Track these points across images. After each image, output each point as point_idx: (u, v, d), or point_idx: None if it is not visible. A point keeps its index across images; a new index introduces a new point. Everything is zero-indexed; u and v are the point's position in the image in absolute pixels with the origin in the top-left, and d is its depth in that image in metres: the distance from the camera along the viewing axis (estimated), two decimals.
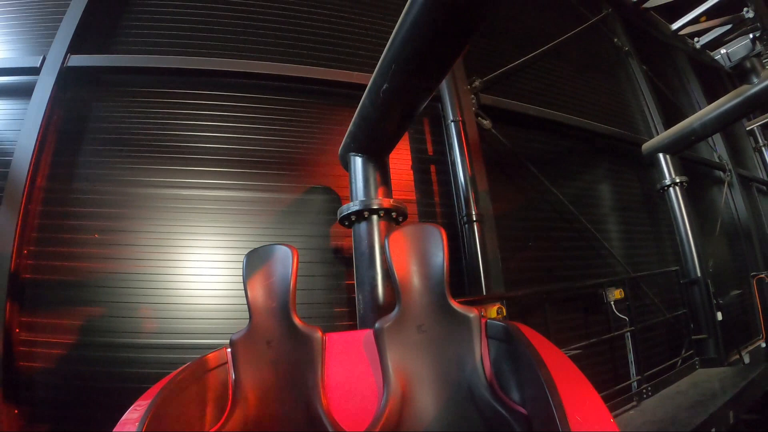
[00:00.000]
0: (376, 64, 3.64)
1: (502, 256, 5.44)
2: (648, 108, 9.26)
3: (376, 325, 2.95)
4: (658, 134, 8.77)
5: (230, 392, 3.03)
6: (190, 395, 2.70)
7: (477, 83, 6.17)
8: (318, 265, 4.89)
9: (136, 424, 2.12)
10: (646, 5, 5.09)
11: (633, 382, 5.72)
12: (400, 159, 5.56)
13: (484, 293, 4.96)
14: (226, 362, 3.09)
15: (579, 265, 6.65)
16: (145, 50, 5.47)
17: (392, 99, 3.69)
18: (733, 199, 10.61)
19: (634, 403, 5.37)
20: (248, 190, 5.03)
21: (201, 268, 4.70)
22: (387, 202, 4.28)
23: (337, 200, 5.12)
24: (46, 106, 4.93)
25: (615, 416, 5.07)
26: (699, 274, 7.62)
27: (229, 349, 3.10)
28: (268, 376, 3.04)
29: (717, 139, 10.64)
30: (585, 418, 1.64)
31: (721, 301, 7.61)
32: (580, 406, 1.69)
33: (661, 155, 8.24)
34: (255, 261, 3.27)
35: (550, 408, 1.70)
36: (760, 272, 8.10)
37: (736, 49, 5.91)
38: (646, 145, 8.44)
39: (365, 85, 3.95)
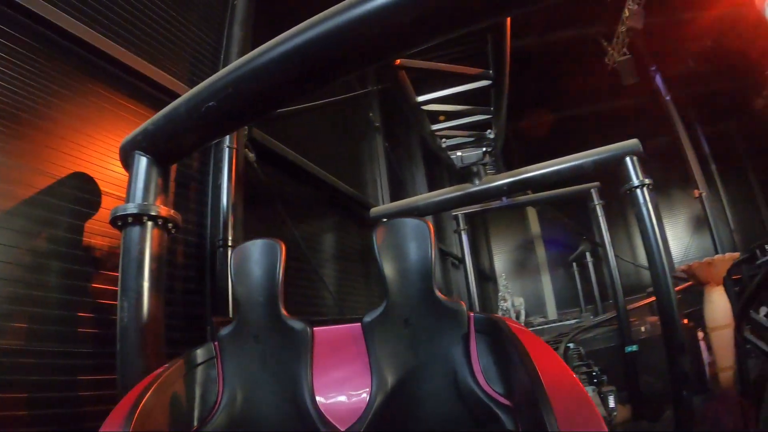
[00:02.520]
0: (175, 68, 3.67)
1: None
2: (381, 179, 10.72)
3: (364, 318, 2.90)
4: (384, 203, 10.23)
5: (219, 387, 2.95)
6: (178, 391, 2.61)
7: None
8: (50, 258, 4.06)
9: (124, 420, 2.06)
10: (426, 108, 6.17)
11: None
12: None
13: (231, 316, 5.17)
14: (214, 357, 3.01)
15: (304, 301, 7.34)
16: None
17: (214, 117, 3.80)
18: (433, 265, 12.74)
19: None
20: None
21: None
22: (165, 211, 4.19)
23: (96, 194, 4.56)
24: None
25: None
26: None
27: (216, 344, 3.02)
28: (256, 370, 2.99)
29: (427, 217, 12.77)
30: (570, 410, 1.66)
31: None
32: (565, 398, 1.72)
33: (384, 221, 9.60)
34: (242, 256, 3.15)
35: (536, 400, 1.72)
36: None
37: (470, 155, 7.47)
38: (375, 210, 9.74)
39: (165, 87, 3.90)
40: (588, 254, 14.79)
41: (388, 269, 2.93)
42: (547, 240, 18.15)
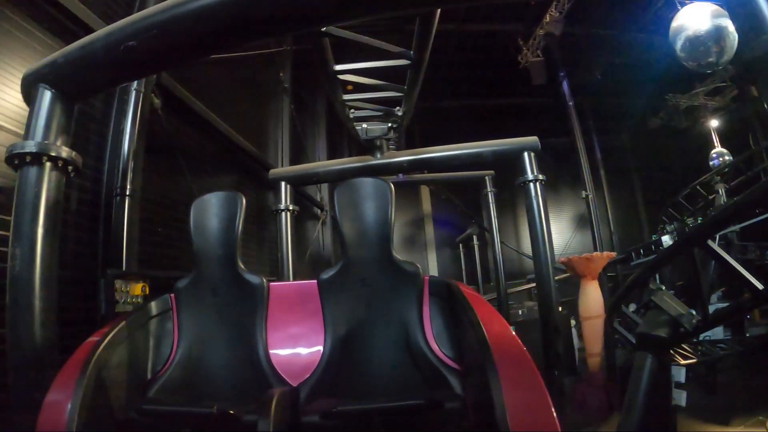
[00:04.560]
0: None
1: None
2: (283, 141, 10.51)
3: (321, 276, 2.92)
4: (284, 165, 10.06)
5: (174, 339, 2.95)
6: (133, 342, 2.61)
7: None
8: None
9: (80, 371, 2.08)
10: (341, 77, 6.09)
11: None
12: None
13: (124, 269, 4.90)
14: (170, 309, 3.01)
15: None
16: None
17: (133, 58, 3.57)
18: (322, 234, 12.77)
19: None
20: None
21: None
22: (67, 152, 3.80)
23: None
24: None
25: None
26: None
27: (173, 296, 3.02)
28: (211, 323, 2.98)
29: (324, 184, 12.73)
30: (515, 377, 1.72)
31: None
32: (511, 367, 1.76)
33: (283, 183, 9.47)
34: (201, 208, 3.08)
35: (483, 366, 1.77)
36: None
37: (375, 129, 7.55)
38: (274, 172, 9.52)
39: (77, 17, 3.57)
40: (475, 237, 15.49)
41: (347, 228, 3.01)
42: (437, 219, 18.77)
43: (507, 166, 7.85)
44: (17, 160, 3.69)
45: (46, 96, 3.85)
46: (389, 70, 6.34)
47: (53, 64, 3.82)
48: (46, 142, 3.77)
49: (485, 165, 9.95)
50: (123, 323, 2.58)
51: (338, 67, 6.45)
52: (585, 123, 17.10)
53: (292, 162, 10.46)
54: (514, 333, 2.08)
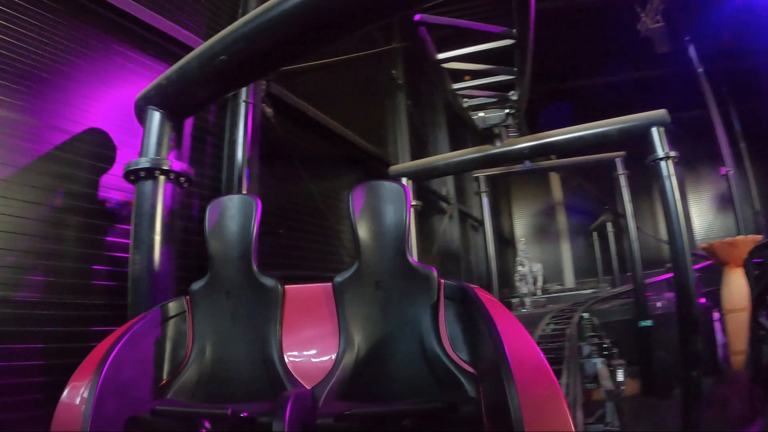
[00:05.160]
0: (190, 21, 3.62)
1: (259, 237, 5.71)
2: (402, 137, 10.58)
3: (336, 279, 2.93)
4: (404, 161, 10.12)
5: (189, 341, 2.96)
6: (149, 344, 2.63)
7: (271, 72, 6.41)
8: (69, 214, 4.12)
9: (94, 371, 2.10)
10: (445, 65, 6.00)
11: None
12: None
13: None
14: (185, 311, 3.00)
15: (320, 257, 7.37)
16: None
17: (226, 70, 3.78)
18: (450, 229, 12.68)
19: None
20: None
21: None
22: (178, 165, 4.21)
23: (110, 148, 4.58)
24: None
25: None
26: None
27: (188, 298, 3.01)
28: (226, 326, 2.99)
29: (449, 177, 12.59)
30: (531, 383, 1.69)
31: None
32: (528, 371, 1.74)
33: (404, 179, 9.54)
34: (217, 210, 3.13)
35: (498, 370, 1.73)
36: None
37: (492, 116, 7.30)
38: (394, 168, 9.67)
39: (178, 40, 3.86)
40: (609, 224, 14.51)
41: (362, 231, 2.97)
42: (568, 207, 17.83)
43: (640, 146, 7.21)
44: (133, 176, 4.11)
45: (155, 116, 4.24)
46: (496, 54, 6.12)
47: (158, 86, 4.19)
48: (157, 157, 4.16)
49: (613, 145, 9.25)
50: (138, 324, 2.58)
51: (441, 56, 6.37)
52: (719, 91, 15.07)
53: (414, 157, 10.49)
54: (531, 338, 2.02)
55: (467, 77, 6.97)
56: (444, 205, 12.62)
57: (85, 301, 4.05)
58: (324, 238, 7.60)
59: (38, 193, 3.89)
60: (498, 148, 7.83)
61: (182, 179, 4.30)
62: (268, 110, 6.34)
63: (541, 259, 16.51)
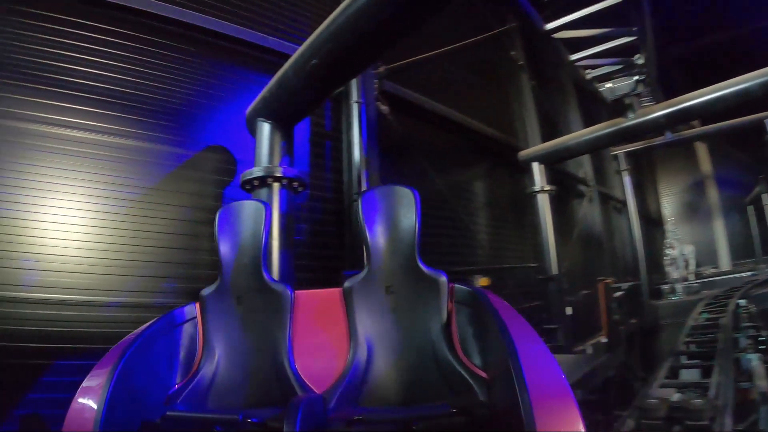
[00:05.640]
0: (290, 31, 3.76)
1: None
2: (529, 120, 10.11)
3: (345, 284, 2.97)
4: (534, 145, 9.67)
5: (199, 347, 3.02)
6: (160, 349, 2.69)
7: (382, 69, 6.46)
8: (203, 225, 4.61)
9: (106, 376, 2.15)
10: (557, 35, 5.66)
11: None
12: (298, 129, 5.68)
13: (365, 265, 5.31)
14: (196, 317, 3.07)
15: (450, 251, 7.26)
16: None
17: (319, 74, 3.90)
18: (590, 212, 11.90)
19: None
20: (127, 137, 4.45)
21: (61, 216, 4.05)
22: (291, 172, 4.42)
23: (232, 163, 5.04)
24: None
25: None
26: (555, 272, 8.60)
27: (198, 304, 3.08)
28: (236, 331, 3.04)
29: (585, 157, 11.81)
30: (544, 387, 1.68)
31: (571, 298, 8.67)
32: (539, 375, 1.73)
33: (534, 164, 9.12)
34: (227, 216, 3.22)
35: (510, 374, 1.74)
36: (606, 277, 9.32)
37: (621, 86, 6.73)
38: (523, 153, 9.29)
39: (279, 52, 4.04)
40: (765, 196, 12.63)
41: (372, 236, 3.00)
42: (719, 179, 15.79)
43: None
44: (248, 185, 4.40)
45: (264, 127, 4.51)
46: (612, 15, 5.62)
47: (263, 99, 4.46)
48: (269, 166, 4.41)
49: (759, 103, 8.04)
50: (149, 331, 2.60)
51: (549, 26, 5.97)
52: None
53: (545, 140, 9.98)
54: (543, 342, 2.03)
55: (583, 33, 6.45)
56: (582, 188, 11.86)
57: None
58: (455, 232, 7.49)
59: (173, 209, 4.49)
60: (631, 120, 7.19)
61: (295, 184, 4.50)
62: (384, 107, 6.40)
63: (692, 240, 14.94)
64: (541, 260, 8.81)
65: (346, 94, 5.96)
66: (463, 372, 2.57)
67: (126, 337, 2.54)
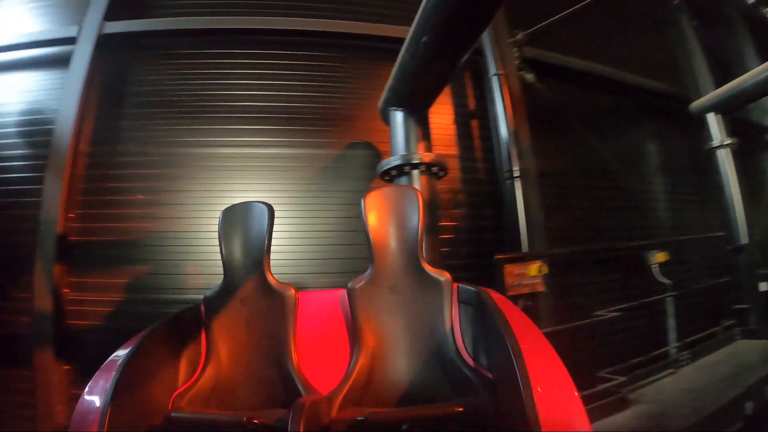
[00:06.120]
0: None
1: (544, 213, 5.30)
2: (697, 65, 8.82)
3: (349, 284, 2.97)
4: (707, 93, 8.36)
5: (203, 348, 3.04)
6: (164, 351, 2.72)
7: (520, 36, 5.95)
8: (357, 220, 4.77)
9: (110, 379, 2.15)
10: None
11: (671, 348, 5.59)
12: (441, 114, 5.40)
13: (525, 251, 4.85)
14: (200, 319, 3.09)
15: (622, 225, 6.47)
16: (180, 12, 5.50)
17: (432, 51, 3.63)
18: None
19: (671, 370, 5.27)
20: (287, 147, 5.02)
21: None
22: (428, 157, 4.21)
23: (378, 155, 5.09)
24: (85, 74, 5.06)
25: (650, 382, 5.01)
26: (745, 242, 7.30)
27: (203, 306, 3.10)
28: (241, 333, 3.03)
29: None
30: (549, 386, 1.69)
31: (765, 272, 7.28)
32: (544, 374, 1.74)
33: (709, 115, 7.89)
34: (230, 218, 3.25)
35: (515, 374, 1.73)
36: None
37: None
38: (695, 104, 8.07)
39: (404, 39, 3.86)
40: None
41: (376, 236, 3.01)
42: None
43: None
44: (387, 175, 4.28)
45: (397, 115, 4.35)
46: None
47: (391, 88, 4.29)
48: (405, 154, 4.21)
49: None
50: (153, 333, 2.58)
51: None
52: None
53: (719, 85, 8.60)
54: (547, 341, 2.04)
55: None
56: None
57: None
58: (627, 202, 6.69)
59: (326, 206, 4.88)
60: None
61: (435, 169, 4.27)
62: (528, 76, 5.87)
63: None
64: (728, 228, 7.56)
65: (485, 70, 5.53)
66: (467, 372, 2.57)
67: (130, 339, 2.55)
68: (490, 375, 2.45)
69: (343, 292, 3.04)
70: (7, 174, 5.00)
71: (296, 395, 2.62)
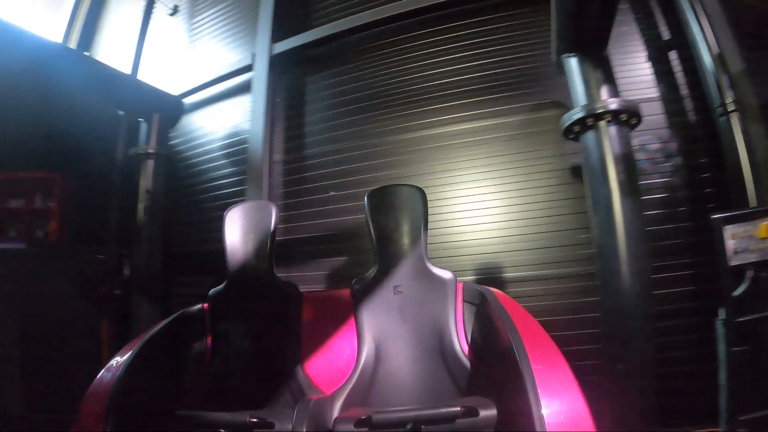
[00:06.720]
0: None
1: None
2: None
3: (353, 284, 2.98)
4: None
5: (209, 347, 3.05)
6: (168, 351, 2.77)
7: None
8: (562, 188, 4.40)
9: (116, 376, 2.19)
10: None
11: None
12: (628, 52, 4.67)
13: (753, 204, 3.86)
14: (204, 317, 3.09)
15: None
16: (337, 17, 5.75)
17: None
18: None
19: None
20: (484, 119, 4.82)
21: (454, 204, 4.67)
22: (614, 103, 3.57)
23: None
24: (266, 92, 5.59)
25: None
26: None
27: (207, 305, 3.12)
28: (245, 331, 3.03)
29: None
30: (553, 386, 1.70)
31: None
32: (548, 373, 1.77)
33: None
34: (234, 217, 3.24)
35: (520, 375, 1.76)
36: None
37: None
38: None
39: None
40: None
41: (379, 235, 3.00)
42: None
43: None
44: (570, 135, 3.81)
45: (571, 63, 3.84)
46: None
47: (557, 32, 3.85)
48: (586, 104, 3.66)
49: None
50: (156, 332, 2.61)
51: None
52: None
53: None
54: (552, 341, 2.06)
55: None
56: None
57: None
58: None
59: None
60: None
61: (623, 117, 3.60)
62: None
63: None
64: None
65: None
66: (472, 371, 2.58)
67: (136, 338, 2.58)
68: (494, 374, 2.45)
69: (347, 292, 3.05)
70: (219, 191, 5.90)
71: (300, 394, 2.71)
